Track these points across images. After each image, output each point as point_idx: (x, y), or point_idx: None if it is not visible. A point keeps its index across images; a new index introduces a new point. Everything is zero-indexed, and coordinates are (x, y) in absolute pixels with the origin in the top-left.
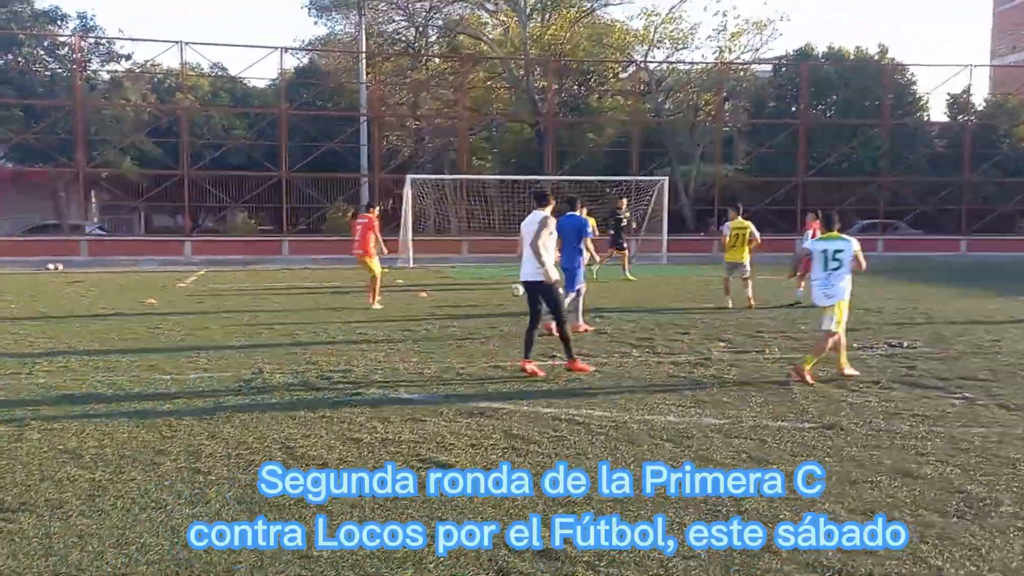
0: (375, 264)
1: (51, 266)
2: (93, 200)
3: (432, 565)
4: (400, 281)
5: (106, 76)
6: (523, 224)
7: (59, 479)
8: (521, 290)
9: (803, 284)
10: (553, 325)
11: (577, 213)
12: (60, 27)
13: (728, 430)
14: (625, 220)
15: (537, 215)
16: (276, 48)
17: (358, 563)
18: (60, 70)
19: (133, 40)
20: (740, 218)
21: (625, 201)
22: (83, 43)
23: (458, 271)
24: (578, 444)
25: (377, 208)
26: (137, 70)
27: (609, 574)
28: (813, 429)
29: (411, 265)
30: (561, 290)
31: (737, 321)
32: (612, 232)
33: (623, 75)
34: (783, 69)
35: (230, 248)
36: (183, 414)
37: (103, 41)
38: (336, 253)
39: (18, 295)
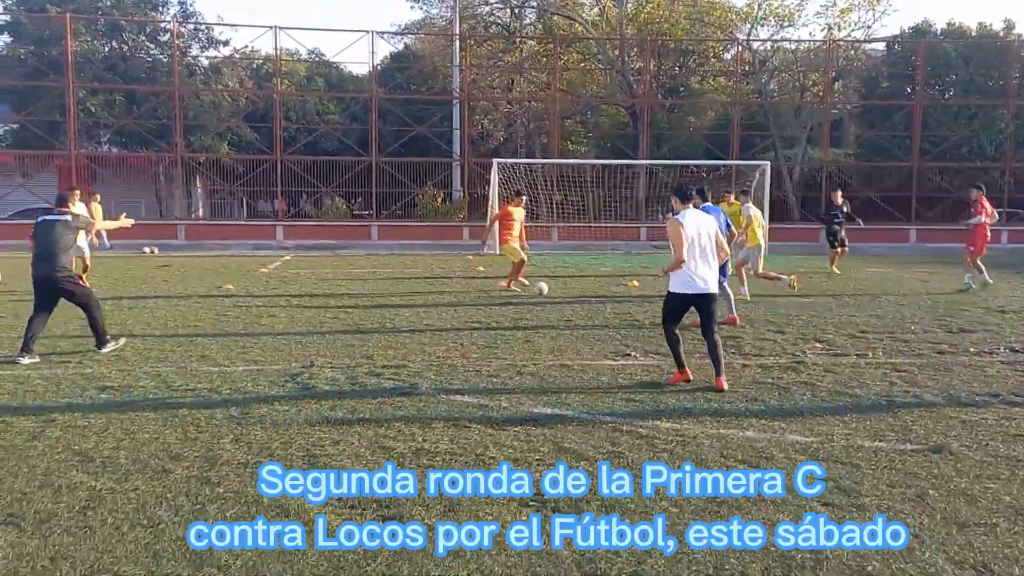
0: (510, 251)
1: (147, 249)
2: (198, 185)
3: None
4: (481, 268)
5: (205, 62)
6: (694, 225)
7: (59, 487)
8: (546, 288)
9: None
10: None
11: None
12: (161, 14)
13: (816, 450)
14: (843, 212)
15: (696, 213)
16: (367, 32)
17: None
18: (161, 56)
19: (230, 26)
20: (734, 200)
21: (840, 192)
22: (182, 29)
23: (544, 259)
24: (635, 462)
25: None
26: (237, 55)
27: None
28: (916, 453)
29: (498, 252)
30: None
31: (838, 319)
32: (829, 227)
33: (725, 55)
34: (897, 47)
35: (321, 233)
36: (215, 412)
37: (202, 27)
38: (425, 238)
39: (104, 278)
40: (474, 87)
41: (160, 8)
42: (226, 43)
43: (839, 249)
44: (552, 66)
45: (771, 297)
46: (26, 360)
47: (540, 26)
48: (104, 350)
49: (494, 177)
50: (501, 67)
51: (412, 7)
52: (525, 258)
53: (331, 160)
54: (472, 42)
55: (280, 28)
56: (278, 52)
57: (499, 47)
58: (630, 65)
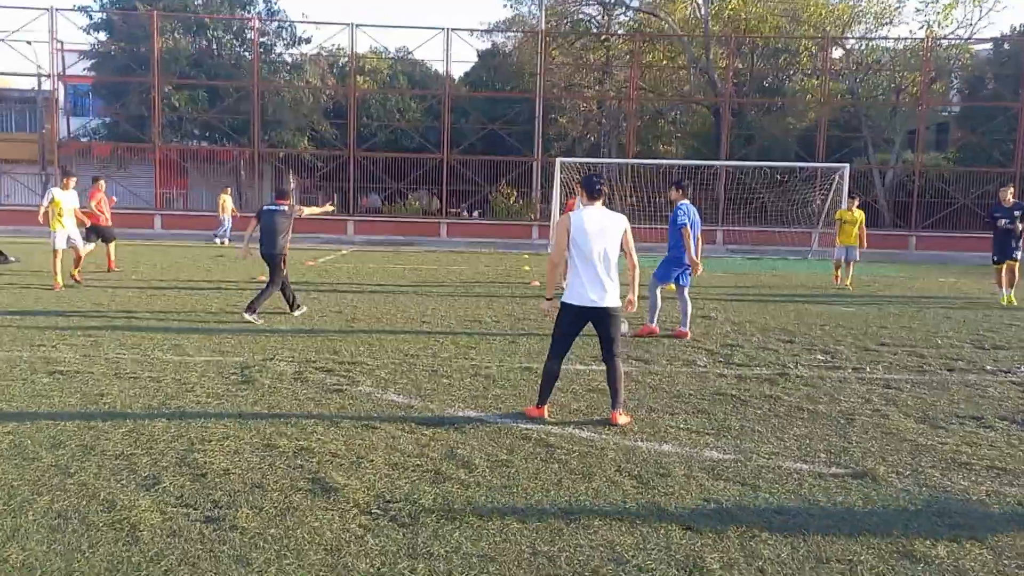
0: None
1: (217, 240)
2: (292, 179)
3: None
4: (527, 268)
5: (288, 59)
6: (596, 224)
7: None
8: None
9: None
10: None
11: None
12: (247, 12)
13: (722, 469)
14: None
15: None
16: (443, 29)
17: None
18: (245, 53)
19: (309, 23)
20: (856, 209)
21: (1011, 190)
22: (266, 27)
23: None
24: (514, 473)
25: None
26: (324, 52)
27: None
28: (835, 477)
29: None
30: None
31: (865, 330)
32: (997, 236)
33: (816, 52)
34: (1006, 46)
35: (391, 229)
36: (140, 400)
37: (284, 25)
38: (494, 236)
39: (152, 266)
40: (555, 86)
41: (246, 6)
42: (308, 40)
43: (1007, 265)
44: (632, 64)
45: (803, 304)
46: (251, 317)
47: (624, 26)
48: (251, 317)
49: (557, 176)
50: (585, 65)
51: (505, 5)
52: None
53: (403, 157)
54: (560, 40)
55: (357, 25)
56: (353, 50)
57: (585, 46)
58: (715, 64)
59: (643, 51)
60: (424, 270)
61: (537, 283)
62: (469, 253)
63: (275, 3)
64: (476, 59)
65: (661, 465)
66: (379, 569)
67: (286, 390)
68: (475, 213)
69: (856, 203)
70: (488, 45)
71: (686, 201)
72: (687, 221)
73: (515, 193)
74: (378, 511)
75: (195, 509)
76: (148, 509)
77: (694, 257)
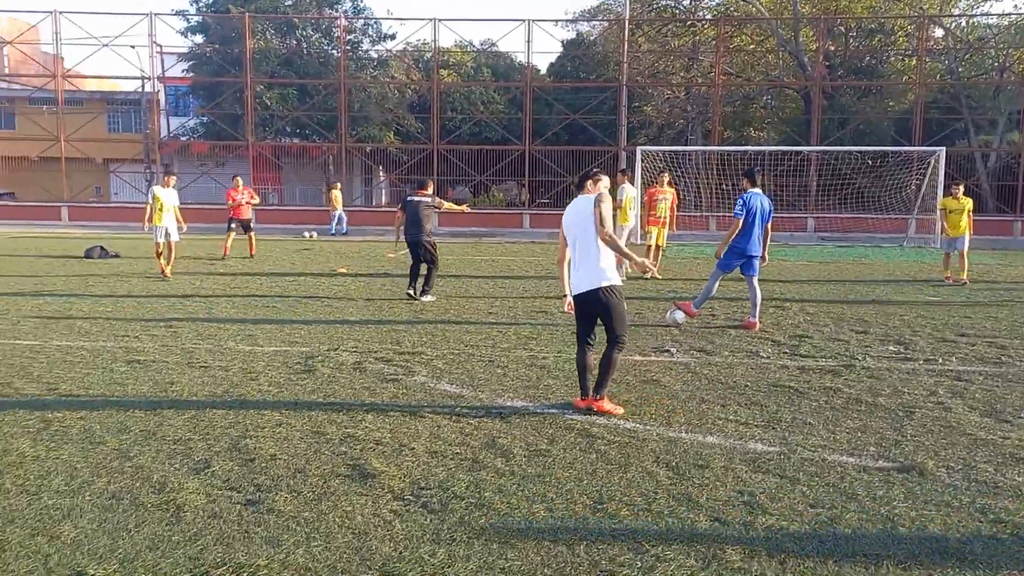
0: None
1: (307, 234)
2: (381, 174)
3: None
4: None
5: (375, 56)
6: (571, 211)
7: None
8: (681, 317)
9: None
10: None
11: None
12: (335, 11)
13: (763, 461)
14: None
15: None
16: (523, 20)
17: None
18: (333, 52)
19: (393, 20)
20: (961, 194)
21: None
22: (352, 24)
23: (673, 249)
24: (550, 462)
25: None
26: (410, 48)
27: None
28: (880, 471)
29: (638, 241)
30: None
31: (947, 320)
32: None
33: (913, 31)
34: None
35: (474, 220)
36: (209, 388)
37: (370, 22)
38: None
39: (231, 260)
40: (640, 74)
41: (334, 5)
42: (392, 36)
43: None
44: (717, 49)
45: (887, 293)
46: (426, 299)
47: (712, 10)
48: (425, 299)
49: (638, 165)
50: (670, 52)
51: None
52: (658, 244)
53: (485, 149)
54: (646, 28)
55: (440, 20)
56: (436, 44)
57: (671, 32)
58: (805, 46)
59: (731, 35)
60: (500, 261)
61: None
62: (549, 244)
63: (361, 1)
64: (560, 49)
65: (701, 456)
66: (401, 553)
67: (344, 379)
68: (546, 199)
69: (961, 189)
70: (572, 35)
71: (755, 191)
72: (742, 212)
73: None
74: (410, 497)
75: (239, 492)
76: (195, 492)
77: (761, 250)
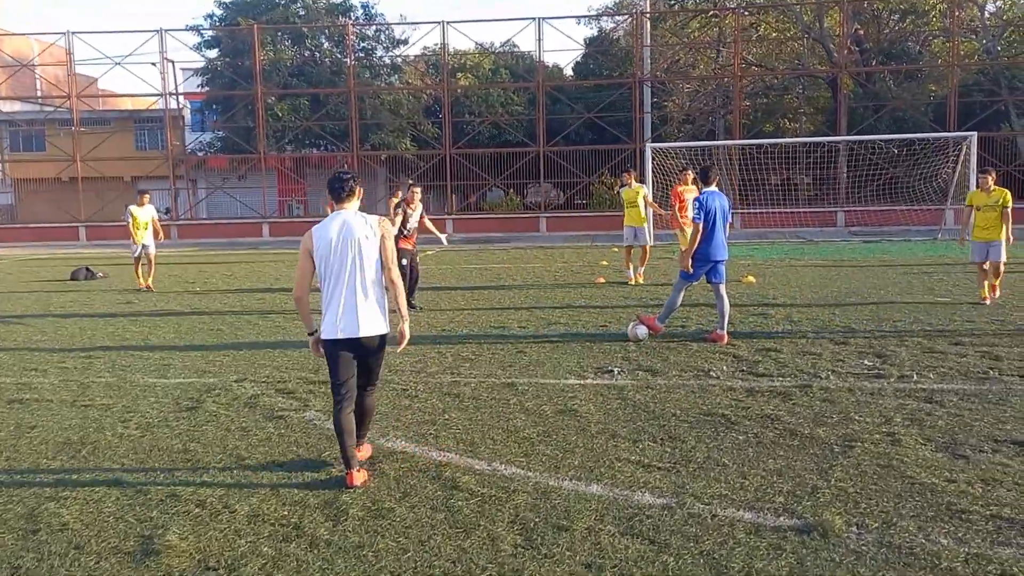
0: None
1: None
2: (410, 180)
3: None
4: (605, 263)
5: (388, 62)
6: (338, 235)
7: None
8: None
9: None
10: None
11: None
12: (349, 18)
13: (640, 520)
14: None
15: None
16: (533, 19)
17: None
18: (345, 59)
19: (400, 24)
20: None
21: None
22: (365, 31)
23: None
24: (409, 525)
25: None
26: (426, 52)
27: None
28: (777, 532)
29: (651, 243)
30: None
31: (950, 326)
32: None
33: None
34: None
35: (490, 226)
36: (41, 441)
37: (382, 28)
38: (596, 229)
39: (223, 276)
40: (662, 69)
41: (346, 13)
42: (405, 42)
43: None
44: (736, 39)
45: (893, 294)
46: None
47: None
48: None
49: (648, 164)
50: (692, 44)
51: None
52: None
53: (497, 152)
54: (672, 21)
55: (448, 23)
56: (445, 47)
57: (701, 22)
58: (831, 32)
59: (753, 24)
60: (495, 269)
61: (603, 280)
62: (555, 249)
63: (374, 8)
64: (579, 46)
65: (569, 514)
66: None
67: (224, 418)
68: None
69: (993, 178)
70: (595, 32)
71: (711, 190)
72: (700, 216)
73: (620, 181)
74: None
75: None
76: None
77: (687, 255)
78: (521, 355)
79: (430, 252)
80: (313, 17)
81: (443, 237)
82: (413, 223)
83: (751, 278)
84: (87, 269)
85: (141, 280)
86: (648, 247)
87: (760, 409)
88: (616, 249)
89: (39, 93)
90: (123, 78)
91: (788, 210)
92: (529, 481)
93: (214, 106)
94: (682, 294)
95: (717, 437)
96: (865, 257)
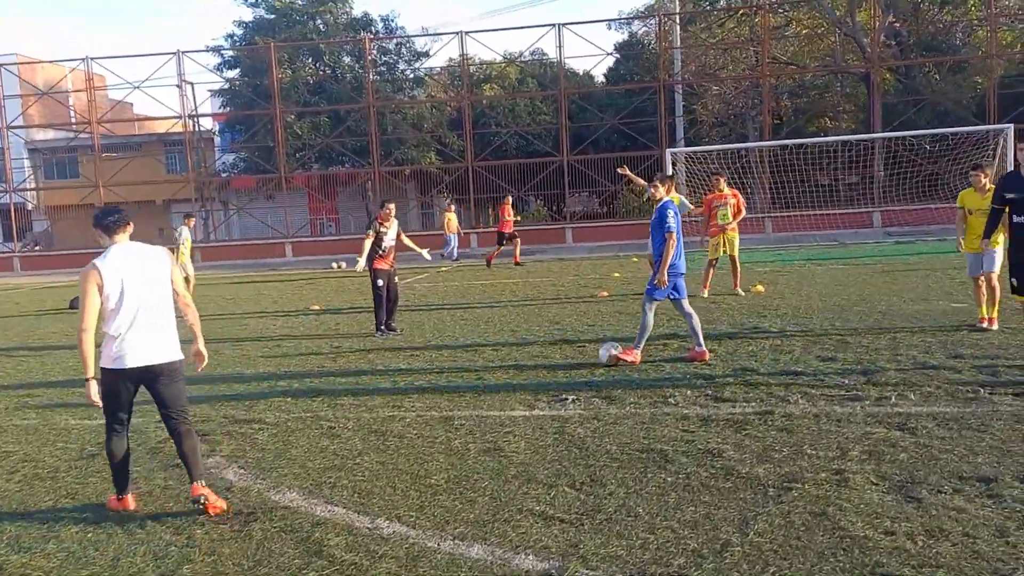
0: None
1: (335, 264)
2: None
3: None
4: (617, 275)
5: (410, 75)
6: (127, 268)
7: None
8: (605, 356)
9: None
10: None
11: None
12: (369, 33)
13: None
14: None
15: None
16: (553, 25)
17: None
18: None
19: (421, 36)
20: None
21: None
22: (385, 45)
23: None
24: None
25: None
26: (452, 64)
27: None
28: None
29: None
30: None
31: (952, 336)
32: None
33: None
34: None
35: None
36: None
37: (402, 41)
38: (624, 239)
39: (222, 300)
40: (691, 72)
41: (368, 27)
42: (427, 55)
43: None
44: (764, 38)
45: (908, 300)
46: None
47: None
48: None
49: (669, 170)
50: (718, 45)
51: None
52: (729, 255)
53: (520, 163)
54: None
55: (466, 33)
56: (464, 57)
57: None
58: (864, 26)
59: (784, 23)
60: (499, 286)
61: (605, 293)
62: (573, 261)
63: (394, 22)
64: (602, 52)
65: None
66: None
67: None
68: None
69: (987, 176)
70: (625, 36)
71: (675, 197)
72: (674, 225)
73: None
74: None
75: None
76: None
77: (664, 269)
78: (479, 382)
79: (444, 269)
80: (332, 33)
81: (425, 252)
82: (388, 241)
83: (760, 287)
84: None
85: None
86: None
87: (706, 443)
88: (636, 259)
89: (73, 120)
90: (148, 101)
91: (822, 212)
92: (406, 542)
93: (236, 127)
94: (652, 313)
95: (643, 479)
96: (892, 259)
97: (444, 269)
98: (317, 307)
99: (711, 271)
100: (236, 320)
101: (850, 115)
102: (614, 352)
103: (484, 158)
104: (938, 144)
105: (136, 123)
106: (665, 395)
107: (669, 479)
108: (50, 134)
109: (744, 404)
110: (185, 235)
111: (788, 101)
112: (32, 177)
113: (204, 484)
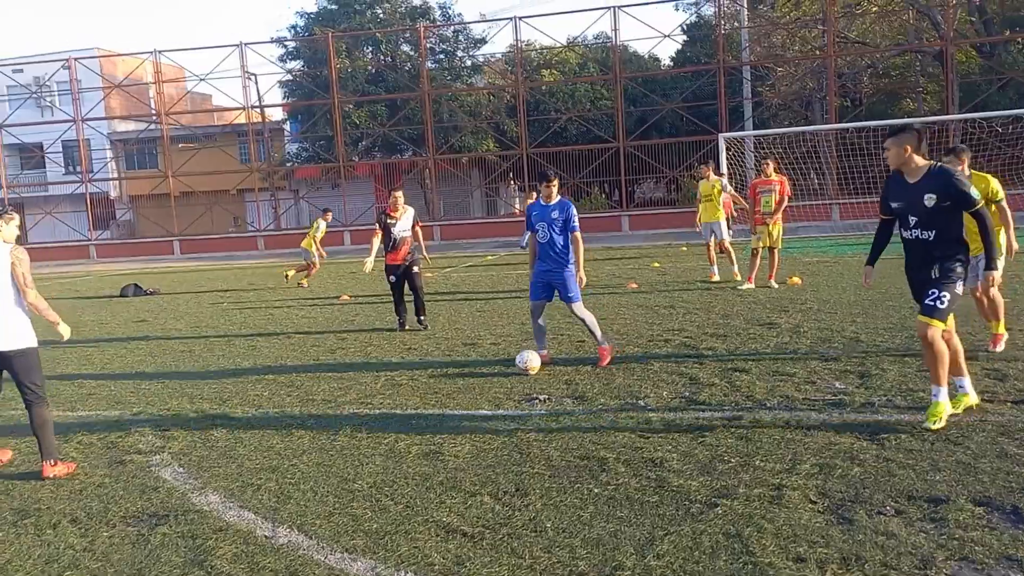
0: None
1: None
2: (513, 183)
3: None
4: (656, 265)
5: (468, 62)
6: None
7: None
8: (526, 363)
9: None
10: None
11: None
12: (428, 20)
13: None
14: None
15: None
16: (608, 8)
17: None
18: (428, 63)
19: (476, 23)
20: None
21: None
22: (444, 32)
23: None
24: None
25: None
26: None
27: None
28: None
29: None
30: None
31: (964, 339)
32: None
33: None
34: None
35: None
36: None
37: (459, 28)
38: (683, 226)
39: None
40: (758, 55)
41: (426, 15)
42: (484, 41)
43: None
44: (829, 15)
45: None
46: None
47: None
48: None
49: (722, 155)
50: (786, 25)
51: None
52: (769, 247)
53: (576, 149)
54: (765, 2)
55: (520, 18)
56: (518, 42)
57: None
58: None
59: (855, 1)
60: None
61: (635, 285)
62: (621, 249)
63: (451, 9)
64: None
65: None
66: None
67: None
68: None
69: (965, 160)
70: (694, 18)
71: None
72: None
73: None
74: None
75: None
76: None
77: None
78: (457, 380)
79: (490, 257)
80: (392, 22)
81: (423, 246)
82: (399, 233)
83: (796, 279)
84: (136, 286)
85: (306, 282)
86: (728, 243)
87: (654, 450)
88: (684, 248)
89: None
90: (219, 93)
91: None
92: (295, 554)
93: (298, 116)
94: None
95: (569, 490)
96: None
97: (490, 257)
98: (347, 297)
99: (756, 261)
100: (255, 309)
101: (934, 96)
102: (525, 363)
103: (541, 144)
104: (1009, 127)
105: (214, 114)
106: (637, 397)
107: (596, 490)
108: (131, 125)
109: (716, 408)
110: (322, 227)
111: (868, 82)
112: (112, 167)
113: (54, 462)
